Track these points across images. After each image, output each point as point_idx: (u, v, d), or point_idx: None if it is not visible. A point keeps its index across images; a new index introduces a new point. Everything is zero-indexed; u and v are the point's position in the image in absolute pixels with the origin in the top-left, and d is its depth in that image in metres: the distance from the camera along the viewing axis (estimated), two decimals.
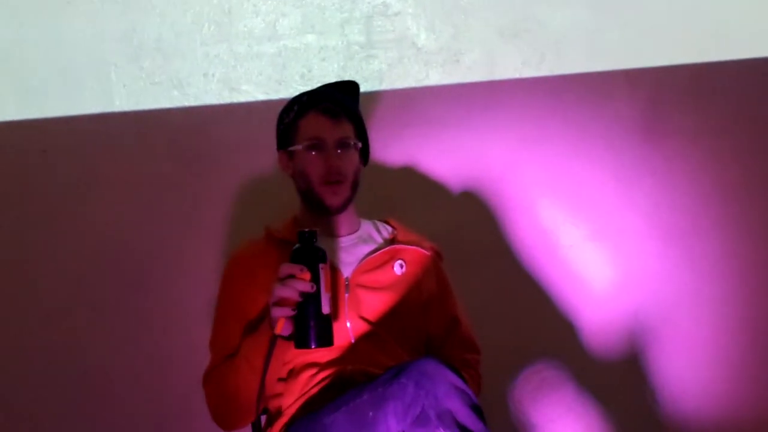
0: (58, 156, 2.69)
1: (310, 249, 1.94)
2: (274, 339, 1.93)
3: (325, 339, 1.93)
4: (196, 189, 2.69)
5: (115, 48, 2.72)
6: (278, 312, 1.91)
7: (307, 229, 1.95)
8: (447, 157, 2.72)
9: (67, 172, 2.69)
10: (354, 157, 2.24)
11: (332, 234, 2.24)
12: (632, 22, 2.76)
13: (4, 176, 2.69)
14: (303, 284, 1.90)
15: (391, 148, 2.70)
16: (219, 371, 2.10)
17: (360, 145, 2.26)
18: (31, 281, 2.67)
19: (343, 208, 2.22)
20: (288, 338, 1.94)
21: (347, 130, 2.24)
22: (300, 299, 1.89)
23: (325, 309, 1.92)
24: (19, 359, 2.65)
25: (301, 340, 1.92)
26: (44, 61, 2.72)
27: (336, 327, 2.06)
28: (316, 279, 1.91)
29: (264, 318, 2.01)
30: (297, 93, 2.33)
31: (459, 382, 1.82)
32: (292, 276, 1.90)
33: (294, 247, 1.95)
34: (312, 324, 1.91)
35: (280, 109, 2.31)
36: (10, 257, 2.68)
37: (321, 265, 1.93)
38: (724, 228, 2.74)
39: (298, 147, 2.22)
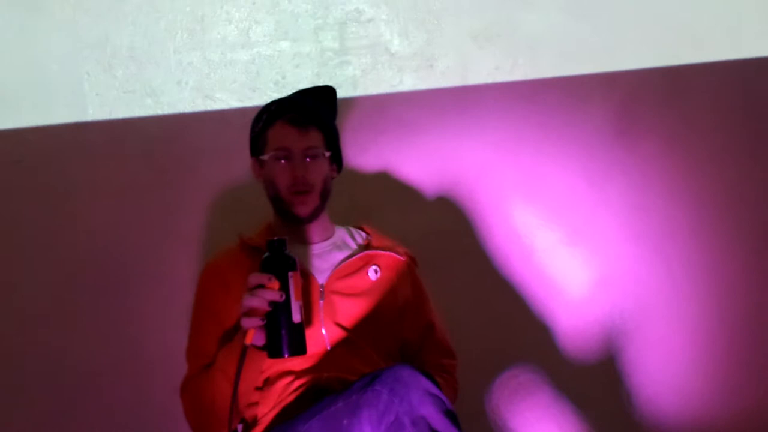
0: (33, 166, 2.67)
1: (280, 257, 1.93)
2: (245, 349, 1.92)
3: (298, 347, 1.92)
4: (171, 197, 2.68)
5: (88, 56, 2.71)
6: (248, 323, 1.90)
7: (276, 238, 1.95)
8: (422, 163, 2.72)
9: (42, 181, 2.67)
10: (323, 166, 2.24)
11: (306, 241, 2.24)
12: (605, 25, 2.77)
13: None
14: (272, 293, 1.89)
15: (366, 153, 2.70)
16: (195, 382, 2.09)
17: (328, 153, 2.25)
18: (8, 288, 2.65)
19: (312, 217, 2.22)
20: (262, 348, 1.94)
21: (315, 139, 2.23)
22: (269, 308, 1.89)
23: (296, 318, 1.92)
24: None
25: (273, 350, 1.91)
26: (17, 70, 2.70)
27: (311, 334, 2.08)
28: (285, 288, 1.91)
29: (238, 332, 2.00)
30: (271, 100, 2.33)
31: (433, 389, 1.82)
32: (261, 286, 1.90)
33: (263, 256, 1.94)
34: (284, 333, 1.90)
35: (253, 116, 2.31)
36: None
37: (291, 274, 1.92)
38: (699, 229, 2.75)
39: (267, 156, 2.22)
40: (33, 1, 2.71)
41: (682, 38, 2.77)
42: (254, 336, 1.91)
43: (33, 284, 2.65)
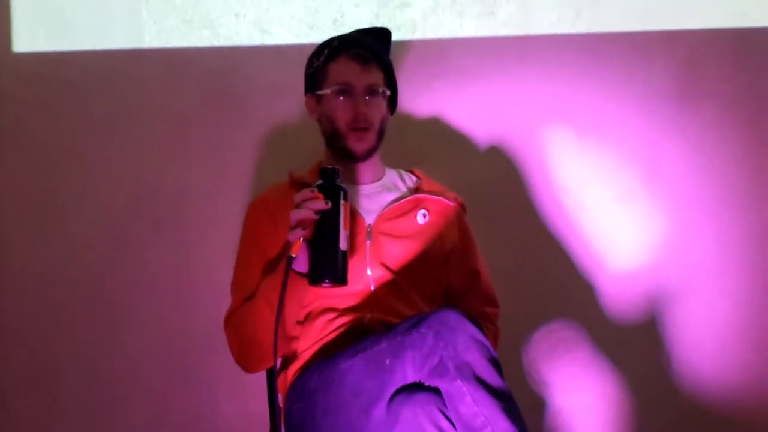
0: (85, 89, 2.68)
1: (332, 185, 1.93)
2: (288, 273, 1.91)
3: (340, 276, 1.92)
4: (223, 129, 2.68)
5: None
6: (294, 234, 1.91)
7: (330, 167, 1.95)
8: (476, 111, 2.69)
9: (94, 106, 2.68)
10: (382, 104, 2.23)
11: (356, 181, 2.23)
12: None
13: (32, 107, 2.68)
14: (318, 203, 1.90)
15: (421, 98, 2.67)
16: (239, 312, 2.10)
17: (389, 93, 2.24)
18: (57, 211, 2.67)
19: (368, 155, 2.21)
20: (304, 275, 1.93)
21: (377, 77, 2.22)
22: (316, 217, 1.89)
23: (343, 245, 1.91)
24: (44, 287, 2.67)
25: (315, 276, 1.91)
26: None
27: (356, 274, 2.07)
28: (336, 214, 1.91)
29: (284, 257, 1.99)
30: (328, 38, 2.31)
31: (479, 335, 1.82)
32: (307, 200, 1.91)
33: (316, 183, 1.94)
34: (327, 258, 1.91)
35: (310, 53, 2.29)
36: (37, 186, 2.68)
37: (342, 203, 1.92)
38: (754, 199, 2.70)
39: (327, 91, 2.20)
40: None
41: (752, 3, 2.70)
42: (298, 257, 1.91)
43: (82, 207, 2.67)
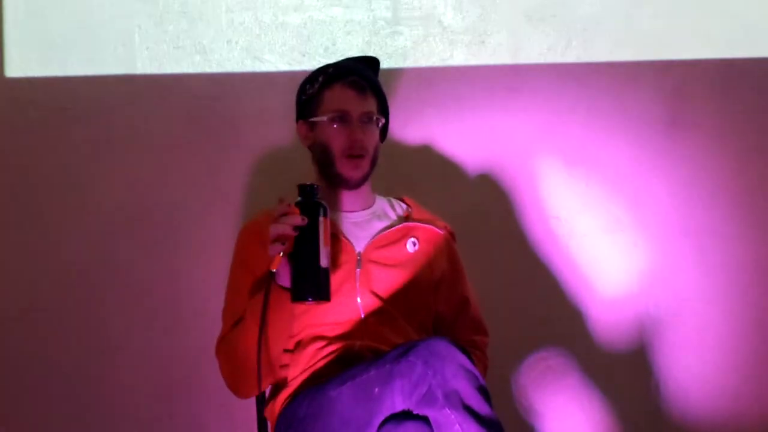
0: (78, 114, 2.68)
1: (311, 201, 1.95)
2: (270, 280, 1.93)
3: (322, 293, 1.92)
4: (214, 155, 2.69)
5: (140, 9, 2.70)
6: (273, 249, 1.92)
7: (308, 183, 1.96)
8: (466, 139, 2.70)
9: (85, 131, 2.68)
10: (376, 132, 2.24)
11: (346, 209, 2.24)
12: (661, 12, 2.73)
13: (24, 132, 2.68)
14: (294, 218, 1.92)
15: (411, 125, 2.69)
16: (229, 336, 2.10)
17: (383, 120, 2.26)
18: (47, 236, 2.67)
19: (361, 182, 2.22)
20: (288, 289, 1.94)
21: (372, 104, 2.23)
22: (294, 233, 1.90)
23: (324, 262, 1.92)
24: (32, 312, 2.67)
25: (297, 293, 1.92)
26: (69, 19, 2.71)
27: (346, 302, 2.08)
28: (315, 230, 1.92)
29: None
30: (320, 65, 2.32)
31: (468, 364, 1.82)
32: (285, 215, 1.93)
33: (296, 201, 1.96)
34: (309, 275, 1.92)
35: (301, 80, 2.30)
36: (27, 211, 2.68)
37: (321, 219, 1.93)
38: (741, 227, 2.72)
39: (322, 118, 2.21)
40: None
41: (739, 31, 2.73)
42: (280, 271, 1.93)
43: (72, 231, 2.67)
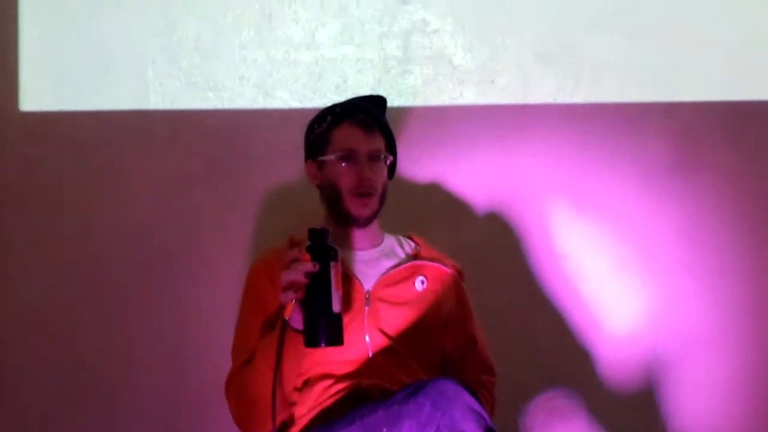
0: (91, 148, 2.71)
1: (321, 246, 1.94)
2: (284, 330, 1.93)
3: (335, 338, 1.92)
4: (224, 191, 2.70)
5: (154, 45, 2.74)
6: (286, 297, 1.92)
7: (318, 227, 1.96)
8: (474, 177, 2.72)
9: (98, 165, 2.71)
10: (384, 170, 2.26)
11: (355, 247, 2.25)
12: (670, 54, 2.76)
13: (37, 165, 2.71)
14: (306, 265, 1.91)
15: (420, 163, 2.71)
16: (239, 374, 2.10)
17: (391, 158, 2.27)
18: (58, 270, 2.69)
19: (370, 220, 2.24)
20: (300, 332, 1.94)
21: (379, 142, 2.25)
22: (306, 280, 1.90)
23: (336, 307, 1.92)
24: (40, 347, 2.67)
25: (310, 338, 1.92)
26: (83, 53, 2.74)
27: (354, 340, 2.09)
28: (326, 276, 1.91)
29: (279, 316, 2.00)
30: (331, 103, 2.35)
31: (476, 405, 1.82)
32: (296, 261, 1.92)
33: (306, 245, 1.95)
34: (321, 321, 1.91)
35: (311, 117, 2.32)
36: (39, 246, 2.70)
37: (332, 263, 1.93)
38: (747, 266, 2.73)
39: (330, 157, 2.23)
40: None
41: (747, 73, 2.75)
42: (293, 315, 1.92)
43: (83, 266, 2.69)
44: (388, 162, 2.27)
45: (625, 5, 2.77)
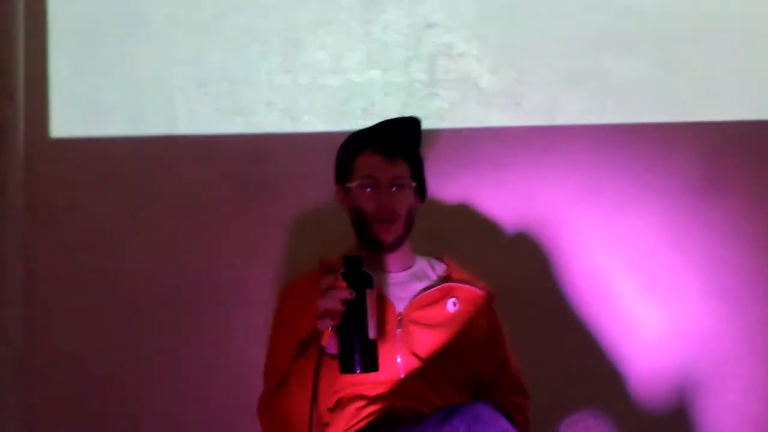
0: (120, 174, 2.73)
1: (356, 273, 1.95)
2: (321, 356, 1.94)
3: (371, 364, 1.92)
4: (254, 216, 2.71)
5: (182, 72, 2.76)
6: (322, 324, 1.92)
7: (353, 254, 1.98)
8: (503, 199, 2.73)
9: (127, 190, 2.73)
10: (408, 195, 2.27)
11: (386, 269, 2.26)
12: (696, 74, 2.76)
13: (66, 191, 2.72)
14: (343, 292, 1.91)
15: (448, 186, 2.71)
16: (272, 398, 2.11)
17: (415, 184, 2.28)
18: (87, 296, 2.70)
19: (396, 245, 2.25)
20: (335, 357, 1.95)
21: (402, 169, 2.26)
22: (343, 307, 1.91)
23: (372, 334, 1.93)
24: (70, 373, 2.68)
25: (346, 365, 1.92)
26: (113, 81, 2.76)
27: (387, 362, 2.08)
28: (362, 303, 1.92)
29: (314, 340, 2.00)
30: (358, 127, 2.37)
31: (510, 429, 1.83)
32: (332, 288, 1.93)
33: (340, 272, 1.97)
34: (357, 348, 1.91)
35: (340, 141, 2.35)
36: (68, 271, 2.71)
37: (368, 290, 1.94)
38: None
39: (353, 184, 2.26)
40: (133, 15, 2.78)
41: None
42: (329, 342, 1.92)
43: (112, 292, 2.69)
44: (412, 187, 2.28)
45: (651, 26, 2.78)
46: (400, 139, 2.32)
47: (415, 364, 2.14)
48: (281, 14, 2.77)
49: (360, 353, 1.92)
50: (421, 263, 2.33)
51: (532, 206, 2.73)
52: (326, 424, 2.13)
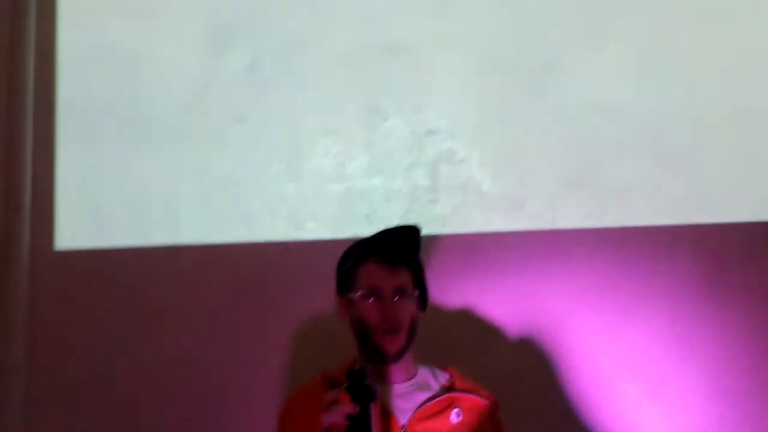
0: (125, 284, 2.75)
1: (360, 388, 1.95)
2: None
3: None
4: (258, 324, 2.72)
5: (187, 181, 2.80)
6: None
7: (356, 368, 1.98)
8: (506, 304, 2.72)
9: (132, 301, 2.74)
10: (411, 305, 2.27)
11: (389, 381, 2.25)
12: (695, 177, 2.77)
13: (71, 303, 2.74)
14: (346, 407, 1.92)
15: (451, 292, 2.71)
16: None
17: (417, 292, 2.29)
18: (90, 406, 2.69)
19: (399, 356, 2.24)
20: None
21: (405, 278, 2.27)
22: (347, 422, 1.90)
23: None
24: None
25: None
26: (117, 190, 2.81)
27: None
28: (366, 417, 1.93)
29: None
30: (362, 233, 2.39)
31: None
32: (335, 402, 1.93)
33: (343, 386, 1.96)
34: None
35: (343, 248, 2.35)
36: (73, 381, 2.71)
37: (371, 404, 1.94)
38: None
39: (356, 294, 2.26)
40: (139, 126, 2.83)
41: None
42: None
43: (116, 401, 2.68)
44: (415, 296, 2.28)
45: (650, 129, 2.80)
46: (401, 248, 2.33)
47: None
48: (286, 123, 2.82)
49: None
50: (424, 373, 2.32)
51: (536, 311, 2.72)
52: None
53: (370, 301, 2.23)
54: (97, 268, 2.76)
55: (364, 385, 1.96)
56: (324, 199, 2.78)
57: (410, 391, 2.25)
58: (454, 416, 2.22)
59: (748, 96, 2.79)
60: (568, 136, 2.81)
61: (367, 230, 2.46)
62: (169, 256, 2.76)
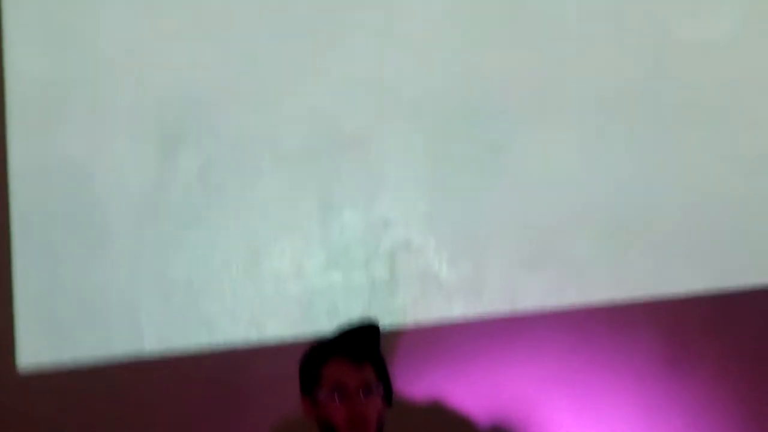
0: (91, 402, 2.73)
1: None
2: None
3: None
4: (225, 429, 2.70)
5: (147, 287, 2.80)
6: None
7: None
8: (473, 392, 2.71)
9: (100, 418, 2.72)
10: (377, 401, 2.25)
11: None
12: (651, 249, 2.78)
13: (36, 425, 2.72)
14: None
15: (416, 383, 2.71)
16: None
17: (382, 387, 2.28)
18: None
19: None
20: None
21: (369, 373, 2.26)
22: None
23: None
24: None
25: None
26: (79, 302, 2.80)
27: None
28: None
29: None
30: (323, 330, 2.38)
31: None
32: None
33: None
34: None
35: (305, 347, 2.35)
36: None
37: None
38: None
39: (322, 394, 2.25)
40: (95, 237, 2.83)
41: (731, 264, 2.77)
42: None
43: None
44: (380, 391, 2.27)
45: (603, 202, 2.81)
46: (364, 344, 2.32)
47: None
48: (242, 225, 2.83)
49: None
50: None
51: (503, 397, 2.72)
52: None
53: (337, 400, 2.22)
54: (60, 387, 2.74)
55: None
56: (283, 298, 2.79)
57: None
58: None
59: (702, 165, 2.81)
60: (521, 216, 2.82)
61: (329, 327, 2.46)
62: (133, 369, 2.74)
